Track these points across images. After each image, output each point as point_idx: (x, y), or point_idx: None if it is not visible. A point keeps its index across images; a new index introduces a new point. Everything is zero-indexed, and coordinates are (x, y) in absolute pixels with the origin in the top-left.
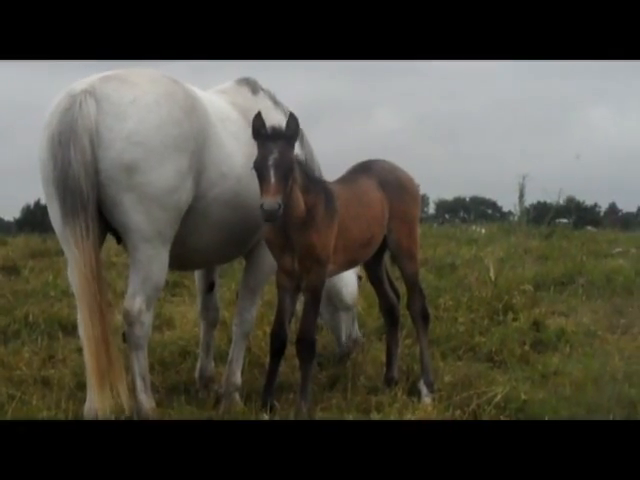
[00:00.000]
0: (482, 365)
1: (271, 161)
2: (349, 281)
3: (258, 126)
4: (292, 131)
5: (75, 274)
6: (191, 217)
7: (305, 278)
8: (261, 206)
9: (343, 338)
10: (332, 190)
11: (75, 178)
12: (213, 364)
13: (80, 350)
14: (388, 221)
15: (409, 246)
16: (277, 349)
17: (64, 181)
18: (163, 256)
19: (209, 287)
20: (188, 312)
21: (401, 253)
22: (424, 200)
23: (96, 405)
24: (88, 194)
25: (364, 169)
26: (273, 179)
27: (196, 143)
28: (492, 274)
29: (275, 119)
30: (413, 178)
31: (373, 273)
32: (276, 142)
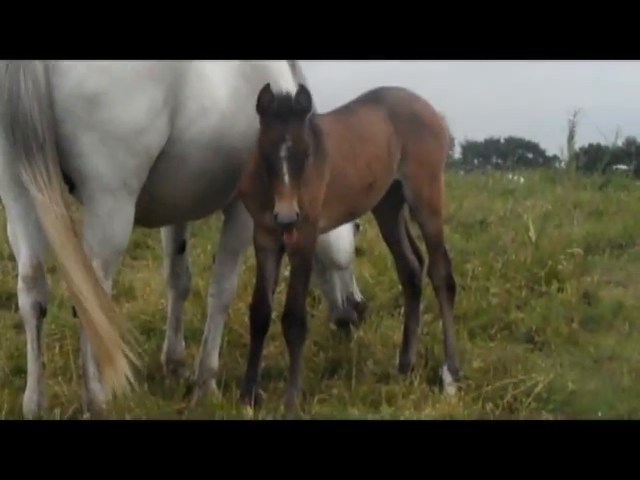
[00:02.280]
0: (520, 347)
1: (284, 151)
2: (342, 233)
3: (266, 100)
4: (305, 106)
5: (49, 227)
6: (163, 162)
7: (289, 240)
8: (275, 217)
9: (339, 303)
10: (319, 125)
11: (26, 113)
12: (183, 344)
13: (18, 326)
14: (401, 163)
15: (431, 197)
16: (259, 326)
17: (12, 117)
18: (127, 211)
19: (179, 248)
20: (152, 279)
21: (421, 206)
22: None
23: (108, 386)
24: (44, 133)
25: (371, 98)
26: (287, 177)
27: (174, 71)
28: (532, 234)
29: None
30: (437, 111)
31: (389, 230)
32: (287, 122)
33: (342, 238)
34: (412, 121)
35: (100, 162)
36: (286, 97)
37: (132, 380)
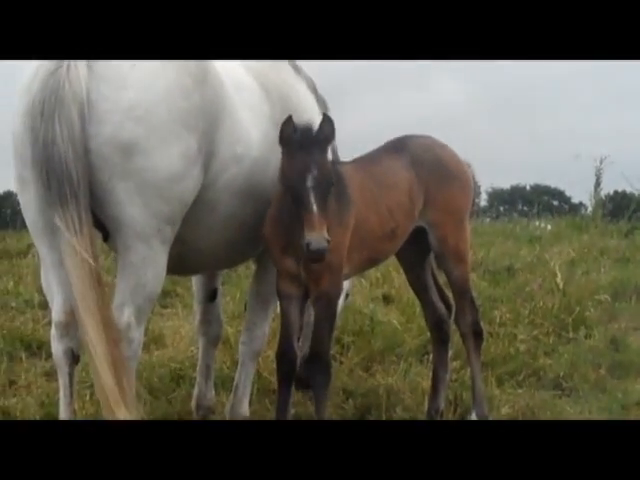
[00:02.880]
0: (548, 393)
1: (310, 181)
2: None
3: (288, 132)
4: (327, 135)
5: (74, 275)
6: (195, 210)
7: (314, 287)
8: (307, 246)
9: None
10: (343, 172)
11: (61, 159)
12: (213, 391)
13: (48, 374)
14: (425, 211)
15: (456, 244)
16: (286, 372)
17: (47, 162)
18: (161, 259)
19: (210, 296)
20: (181, 327)
21: (446, 253)
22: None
23: None
24: (79, 179)
25: (395, 146)
26: (315, 207)
27: (208, 119)
28: (560, 280)
29: (295, 89)
30: (461, 159)
31: (415, 278)
32: (311, 152)
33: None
34: (436, 168)
35: (135, 210)
36: (308, 127)
37: None
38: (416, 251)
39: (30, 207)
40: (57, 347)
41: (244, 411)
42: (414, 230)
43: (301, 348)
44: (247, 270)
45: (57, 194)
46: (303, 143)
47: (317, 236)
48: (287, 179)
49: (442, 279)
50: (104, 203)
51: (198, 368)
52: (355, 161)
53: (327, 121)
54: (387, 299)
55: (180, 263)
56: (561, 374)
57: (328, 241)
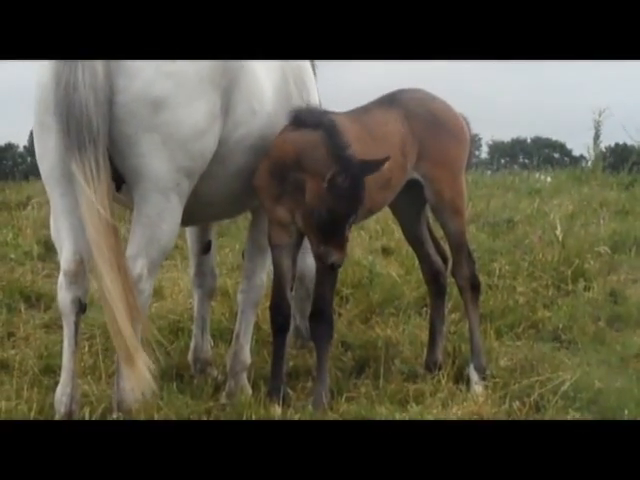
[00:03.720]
0: (546, 345)
1: (352, 219)
2: None
3: (340, 178)
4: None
5: (89, 222)
6: (209, 164)
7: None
8: (331, 264)
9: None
10: (336, 123)
11: (82, 105)
12: (210, 344)
13: (47, 326)
14: (419, 164)
15: (452, 198)
16: (280, 324)
17: (68, 107)
18: (177, 213)
19: (205, 248)
20: (180, 279)
21: (442, 206)
22: (475, 141)
23: (131, 386)
24: (98, 127)
25: (388, 99)
26: (348, 231)
27: (230, 75)
28: (559, 233)
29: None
30: (455, 111)
31: (411, 231)
32: (359, 195)
33: None
34: (429, 121)
35: (158, 163)
36: (357, 173)
37: (152, 382)
38: (412, 204)
39: (48, 154)
40: (64, 295)
41: (245, 358)
42: (410, 183)
43: (302, 299)
44: (245, 222)
45: (76, 139)
46: (353, 188)
47: (342, 255)
48: (331, 211)
49: (439, 233)
50: (126, 155)
51: (194, 320)
52: (348, 113)
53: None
54: (386, 251)
55: (188, 215)
56: (560, 326)
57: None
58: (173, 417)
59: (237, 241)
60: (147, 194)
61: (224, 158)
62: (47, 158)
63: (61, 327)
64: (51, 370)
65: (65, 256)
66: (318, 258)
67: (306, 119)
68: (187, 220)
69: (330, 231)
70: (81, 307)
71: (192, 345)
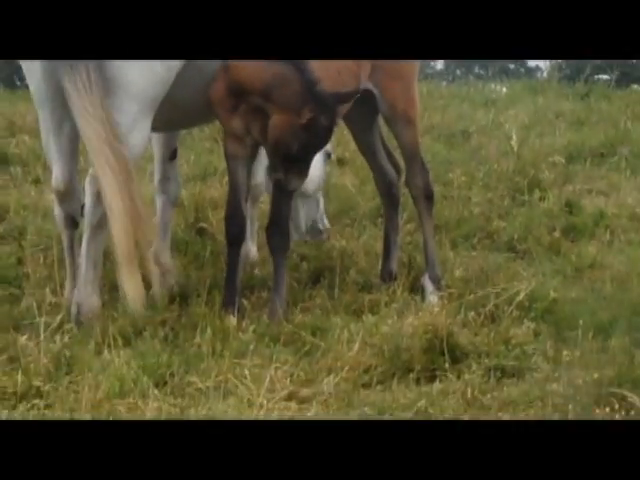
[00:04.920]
0: (502, 256)
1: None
2: None
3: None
4: None
5: (87, 134)
6: (186, 72)
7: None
8: (291, 189)
9: (301, 230)
10: None
11: None
12: (169, 252)
13: (2, 237)
14: (373, 74)
15: (405, 108)
16: (234, 235)
17: None
18: (148, 122)
19: (171, 154)
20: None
21: (395, 116)
22: None
23: (128, 293)
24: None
25: None
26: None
27: None
28: (515, 143)
29: None
30: None
31: (364, 142)
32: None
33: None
34: None
35: (137, 74)
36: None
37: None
38: (364, 114)
39: (34, 70)
40: (58, 213)
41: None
42: (363, 93)
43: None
44: (201, 133)
45: None
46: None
47: (303, 182)
48: (305, 145)
49: (393, 144)
50: (103, 65)
51: (157, 227)
52: None
53: None
54: (341, 162)
55: (165, 121)
56: (515, 237)
57: None
58: (129, 328)
59: (192, 152)
60: (122, 103)
61: (200, 65)
62: (34, 75)
63: (15, 238)
64: (5, 281)
65: (55, 176)
66: (278, 183)
67: None
68: (164, 126)
69: (297, 161)
70: (74, 223)
71: (151, 249)
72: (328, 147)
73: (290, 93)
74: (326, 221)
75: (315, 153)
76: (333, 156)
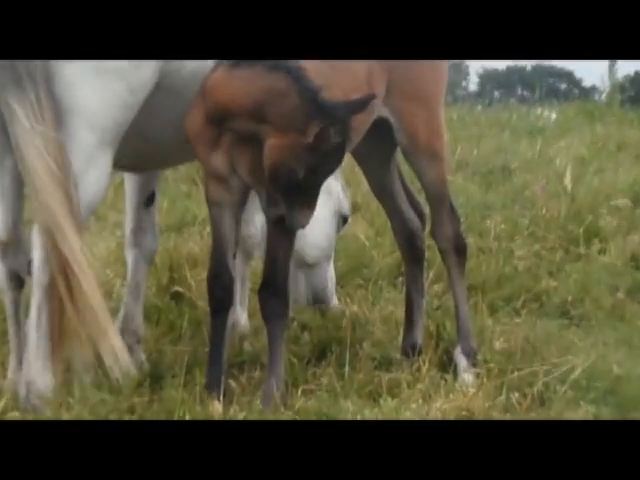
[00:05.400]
0: (552, 322)
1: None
2: (317, 222)
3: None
4: None
5: (31, 166)
6: (158, 97)
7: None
8: (297, 227)
9: (302, 302)
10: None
11: None
12: (142, 318)
13: None
14: (388, 98)
15: (429, 139)
16: (219, 300)
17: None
18: (107, 159)
19: (147, 200)
20: (94, 245)
21: (417, 149)
22: (462, 69)
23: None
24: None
25: None
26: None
27: None
28: (568, 182)
29: None
30: None
31: (379, 183)
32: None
33: (315, 228)
34: None
35: (90, 95)
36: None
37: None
38: (379, 149)
39: None
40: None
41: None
42: (377, 122)
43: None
44: (176, 173)
45: (11, 74)
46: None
47: (310, 217)
48: (313, 170)
49: (416, 184)
50: (52, 84)
51: (127, 286)
52: None
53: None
54: (352, 207)
55: (134, 158)
56: (569, 299)
57: None
58: (87, 416)
59: (165, 197)
60: (76, 132)
61: (178, 91)
62: None
63: None
64: None
65: None
66: (278, 221)
67: None
68: (133, 165)
69: (303, 192)
70: (19, 282)
71: (122, 314)
72: (345, 208)
73: (288, 108)
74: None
75: (326, 178)
76: (350, 219)
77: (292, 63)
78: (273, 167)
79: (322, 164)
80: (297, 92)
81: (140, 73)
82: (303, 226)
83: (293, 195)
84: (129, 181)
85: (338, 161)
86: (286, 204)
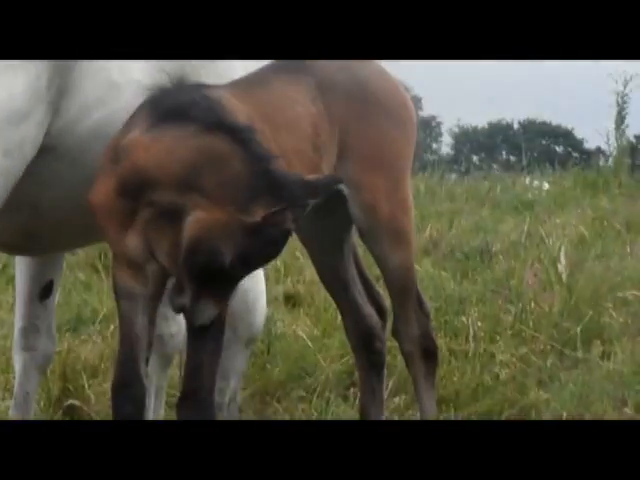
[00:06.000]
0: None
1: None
2: (256, 291)
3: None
4: None
5: None
6: (49, 163)
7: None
8: (200, 322)
9: (226, 398)
10: (221, 103)
11: None
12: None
13: None
14: (341, 164)
15: (393, 215)
16: (128, 416)
17: None
18: None
19: (43, 291)
20: None
21: (378, 229)
22: (432, 128)
23: None
24: None
25: (292, 64)
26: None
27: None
28: (563, 269)
29: None
30: (396, 81)
31: (329, 269)
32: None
33: (259, 300)
34: (356, 96)
35: None
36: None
37: None
38: (328, 227)
39: None
40: None
41: None
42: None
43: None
44: (71, 258)
45: None
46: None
47: (218, 312)
48: (246, 258)
49: (374, 271)
50: None
51: (14, 398)
52: (234, 85)
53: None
54: (291, 300)
55: (29, 238)
56: (564, 415)
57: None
58: None
59: (58, 289)
60: None
61: (74, 154)
62: None
63: None
64: None
65: None
66: (179, 312)
67: (184, 107)
68: (34, 246)
69: (219, 282)
70: None
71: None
72: None
73: (229, 176)
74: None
75: (253, 271)
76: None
77: (241, 122)
78: (193, 243)
79: (259, 253)
80: (242, 159)
81: (18, 131)
82: (206, 322)
83: (205, 283)
84: (20, 268)
85: (277, 252)
86: (192, 292)
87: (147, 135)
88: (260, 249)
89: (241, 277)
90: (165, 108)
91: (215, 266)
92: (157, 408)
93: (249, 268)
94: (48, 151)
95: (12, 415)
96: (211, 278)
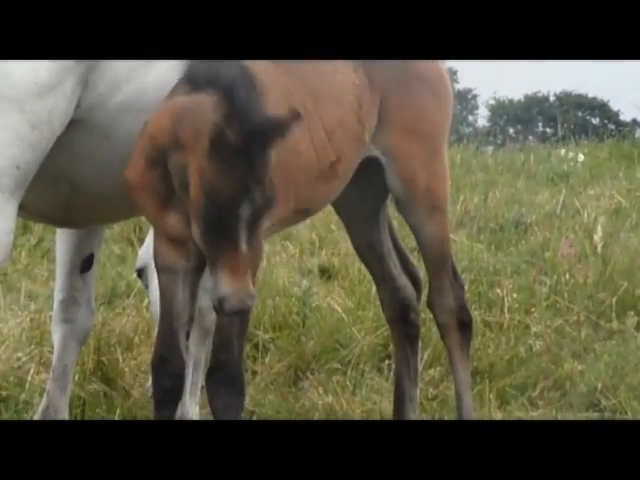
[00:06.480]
0: (578, 417)
1: (246, 209)
2: None
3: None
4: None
5: None
6: (82, 137)
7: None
8: (219, 301)
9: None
10: (258, 75)
11: None
12: (67, 411)
13: None
14: (380, 133)
15: (429, 186)
16: (167, 390)
17: None
18: (9, 210)
19: (84, 264)
20: (2, 322)
21: (414, 199)
22: (468, 100)
23: None
24: None
25: None
26: (244, 245)
27: None
28: (599, 240)
29: None
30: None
31: (364, 241)
32: (254, 165)
33: None
34: (397, 68)
35: None
36: (253, 129)
37: None
38: (364, 197)
39: None
40: None
41: None
42: (363, 164)
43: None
44: (106, 232)
45: None
46: (243, 150)
47: (239, 289)
48: (213, 197)
49: (410, 242)
50: None
51: (52, 371)
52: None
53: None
54: (326, 273)
55: (68, 212)
56: (599, 386)
57: (254, 297)
58: None
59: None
60: None
61: (105, 129)
62: None
63: None
64: None
65: None
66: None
67: (199, 76)
68: (74, 220)
69: (216, 235)
70: None
71: (42, 406)
72: None
73: (199, 120)
74: None
75: (234, 211)
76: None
77: (230, 80)
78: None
79: (221, 180)
80: (222, 109)
81: (44, 104)
82: (230, 306)
83: (209, 243)
84: (61, 240)
85: (243, 177)
86: (209, 262)
87: (167, 105)
88: (219, 177)
89: (230, 225)
90: (192, 79)
91: (205, 217)
92: (195, 380)
93: (223, 206)
94: (79, 125)
95: (50, 388)
96: (209, 235)
